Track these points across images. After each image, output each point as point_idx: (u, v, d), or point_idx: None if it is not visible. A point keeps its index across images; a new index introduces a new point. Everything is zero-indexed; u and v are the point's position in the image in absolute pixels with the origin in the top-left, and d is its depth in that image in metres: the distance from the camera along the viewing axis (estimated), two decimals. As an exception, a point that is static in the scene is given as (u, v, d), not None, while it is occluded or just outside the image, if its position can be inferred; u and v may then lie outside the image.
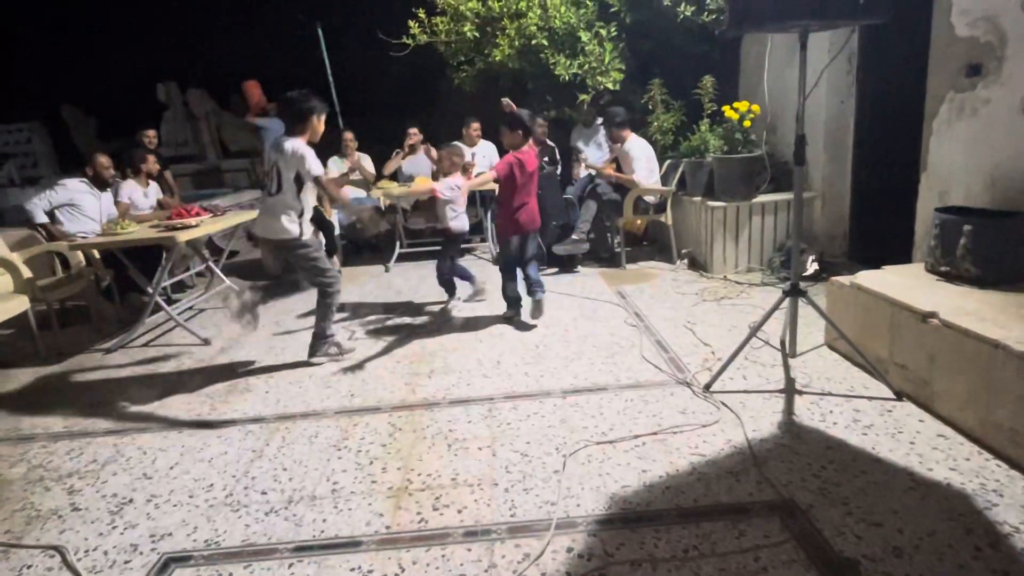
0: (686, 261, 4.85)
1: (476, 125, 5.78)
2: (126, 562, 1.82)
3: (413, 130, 5.70)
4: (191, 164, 10.05)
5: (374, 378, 3.06)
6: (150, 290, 3.92)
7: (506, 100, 4.59)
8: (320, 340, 3.31)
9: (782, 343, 3.04)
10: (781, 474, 2.00)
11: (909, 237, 3.47)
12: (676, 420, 2.41)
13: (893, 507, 1.80)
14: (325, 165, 5.71)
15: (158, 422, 2.75)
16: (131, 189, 4.81)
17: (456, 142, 4.45)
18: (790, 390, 2.61)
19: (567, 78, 5.18)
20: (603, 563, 1.66)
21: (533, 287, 3.69)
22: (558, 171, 5.49)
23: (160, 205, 5.05)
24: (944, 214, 2.67)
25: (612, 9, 5.17)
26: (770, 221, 4.45)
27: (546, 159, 5.19)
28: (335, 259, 5.16)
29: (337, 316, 3.47)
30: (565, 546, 1.74)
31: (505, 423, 2.49)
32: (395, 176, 5.99)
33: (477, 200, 5.72)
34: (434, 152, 4.45)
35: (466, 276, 4.15)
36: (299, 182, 3.04)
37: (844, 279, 2.87)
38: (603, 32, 5.14)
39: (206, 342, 3.77)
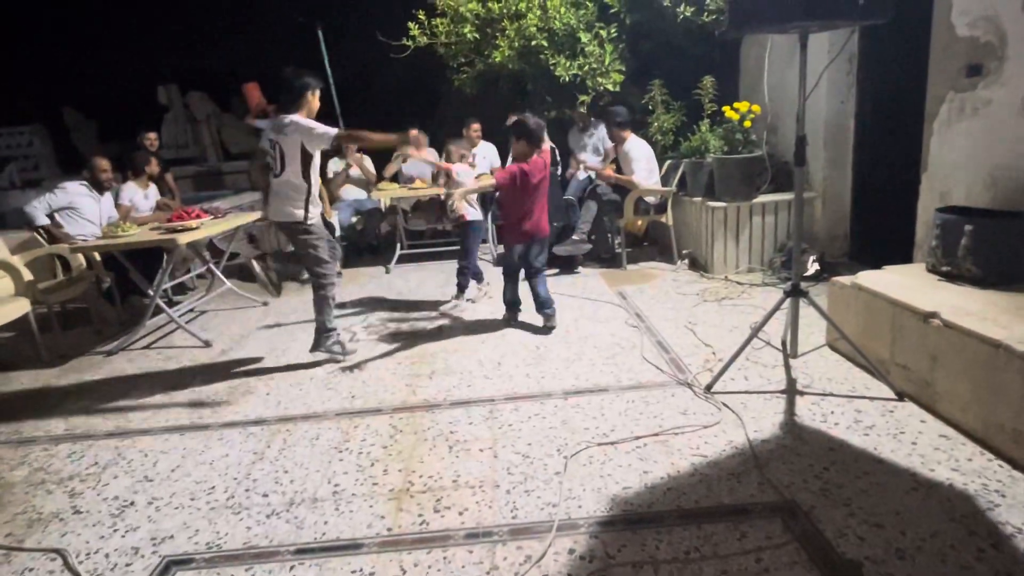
0: (687, 262, 4.84)
1: (476, 126, 5.79)
2: (127, 565, 1.82)
3: (414, 131, 5.68)
4: (192, 166, 10.05)
5: (375, 380, 3.06)
6: (151, 292, 3.93)
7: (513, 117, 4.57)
8: (323, 334, 3.31)
9: (783, 344, 3.04)
10: (783, 475, 2.00)
11: (910, 237, 3.47)
12: (677, 421, 2.41)
13: (895, 508, 1.80)
14: (325, 166, 5.76)
15: (159, 424, 2.76)
16: (131, 191, 4.83)
17: (459, 141, 4.49)
18: (791, 391, 2.60)
19: (567, 79, 5.18)
20: (605, 565, 1.66)
21: (541, 307, 3.52)
22: (558, 172, 5.48)
23: (158, 207, 5.05)
24: (945, 214, 2.67)
25: (612, 10, 5.17)
26: (771, 221, 4.45)
27: None
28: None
29: (338, 313, 3.46)
30: (567, 548, 1.74)
31: (506, 424, 2.49)
32: (396, 178, 6.00)
33: (477, 200, 5.72)
34: (428, 153, 4.46)
35: (478, 274, 4.17)
36: (305, 159, 3.03)
37: (845, 279, 2.87)
38: (603, 33, 5.13)
39: (207, 344, 3.78)
